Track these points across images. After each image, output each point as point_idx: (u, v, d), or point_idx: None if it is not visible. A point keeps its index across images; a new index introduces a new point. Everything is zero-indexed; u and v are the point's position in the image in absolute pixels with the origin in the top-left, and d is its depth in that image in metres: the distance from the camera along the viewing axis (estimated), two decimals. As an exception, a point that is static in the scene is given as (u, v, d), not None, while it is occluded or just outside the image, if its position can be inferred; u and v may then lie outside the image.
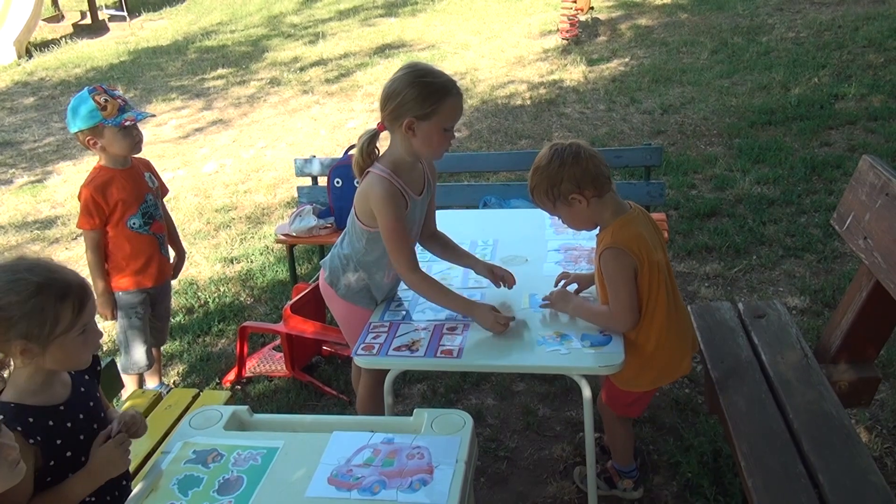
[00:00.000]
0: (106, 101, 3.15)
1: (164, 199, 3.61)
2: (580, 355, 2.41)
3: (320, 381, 3.80)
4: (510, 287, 2.75)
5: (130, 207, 3.31)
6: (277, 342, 4.18)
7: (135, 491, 1.95)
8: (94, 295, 2.01)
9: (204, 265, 5.49)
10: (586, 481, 2.78)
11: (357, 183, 2.66)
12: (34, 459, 1.84)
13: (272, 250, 5.58)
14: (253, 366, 3.96)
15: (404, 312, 2.75)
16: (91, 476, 1.89)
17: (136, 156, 3.39)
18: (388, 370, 2.56)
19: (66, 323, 1.80)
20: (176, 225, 3.78)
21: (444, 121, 2.49)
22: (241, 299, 4.91)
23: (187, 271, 5.39)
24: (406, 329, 2.62)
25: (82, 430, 1.93)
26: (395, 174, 2.55)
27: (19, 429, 1.78)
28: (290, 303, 3.79)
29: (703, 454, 3.03)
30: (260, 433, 2.11)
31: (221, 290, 5.05)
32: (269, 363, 3.98)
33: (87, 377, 1.99)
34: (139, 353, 3.51)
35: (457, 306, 2.63)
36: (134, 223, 3.34)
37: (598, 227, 2.54)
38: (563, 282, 2.74)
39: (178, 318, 4.70)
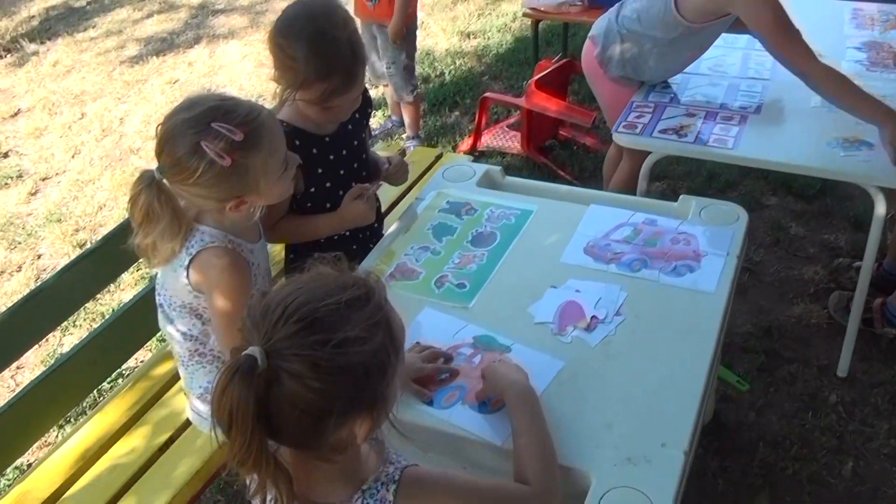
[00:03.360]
0: None
1: None
2: (882, 165, 2.07)
3: (555, 165, 3.68)
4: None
5: None
6: (512, 120, 4.07)
7: (391, 229, 1.96)
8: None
9: (441, 37, 5.37)
10: (841, 311, 2.52)
11: None
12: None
13: (510, 29, 5.34)
14: (488, 140, 3.89)
15: (672, 95, 2.49)
16: (339, 222, 1.91)
17: None
18: (648, 154, 2.35)
19: (312, 95, 1.74)
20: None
21: None
22: (477, 74, 4.79)
23: (424, 41, 5.32)
24: (674, 112, 2.38)
25: (343, 165, 1.93)
26: None
27: None
28: (534, 78, 3.61)
29: None
30: (513, 195, 2.03)
31: (457, 63, 4.95)
32: (503, 139, 3.89)
33: (357, 115, 1.95)
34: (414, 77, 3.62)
35: (869, 111, 2.13)
36: None
37: None
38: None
39: (415, 86, 4.69)
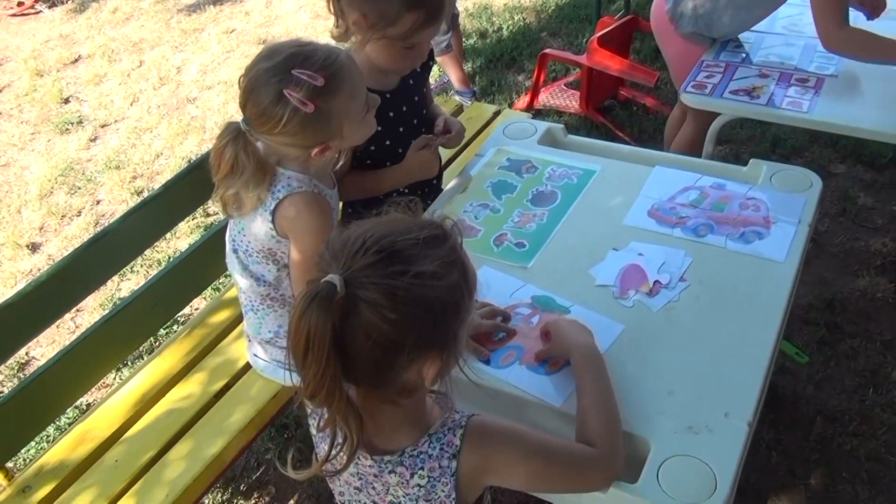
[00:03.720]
0: None
1: None
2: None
3: (614, 125, 3.59)
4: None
5: None
6: (571, 78, 3.98)
7: (450, 185, 1.93)
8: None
9: (500, -10, 5.26)
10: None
11: None
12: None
13: (572, -17, 5.20)
14: (545, 98, 3.81)
15: (744, 55, 2.39)
16: (404, 174, 1.88)
17: None
18: (717, 115, 2.27)
19: (400, 30, 1.67)
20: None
21: None
22: (536, 30, 4.68)
23: (483, -6, 5.21)
24: (746, 73, 2.28)
25: (403, 122, 1.90)
26: None
27: None
28: (596, 35, 3.50)
29: None
30: (575, 154, 1.98)
31: (516, 18, 4.84)
32: (561, 98, 3.81)
33: (418, 69, 1.91)
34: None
35: None
36: None
37: None
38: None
39: (471, 41, 4.61)
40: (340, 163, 1.62)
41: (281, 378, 1.87)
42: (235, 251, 1.70)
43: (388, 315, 0.93)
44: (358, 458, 1.07)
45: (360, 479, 1.11)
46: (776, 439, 2.25)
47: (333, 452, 1.02)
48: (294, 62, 1.45)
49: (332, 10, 1.72)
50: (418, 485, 1.06)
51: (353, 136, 1.59)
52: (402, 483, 1.07)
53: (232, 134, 1.49)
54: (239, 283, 1.77)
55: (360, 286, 0.94)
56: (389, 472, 1.07)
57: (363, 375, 1.00)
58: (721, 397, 1.34)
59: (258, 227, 1.60)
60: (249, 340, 1.86)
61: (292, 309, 0.96)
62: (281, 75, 1.44)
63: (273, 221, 1.58)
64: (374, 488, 1.11)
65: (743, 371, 1.39)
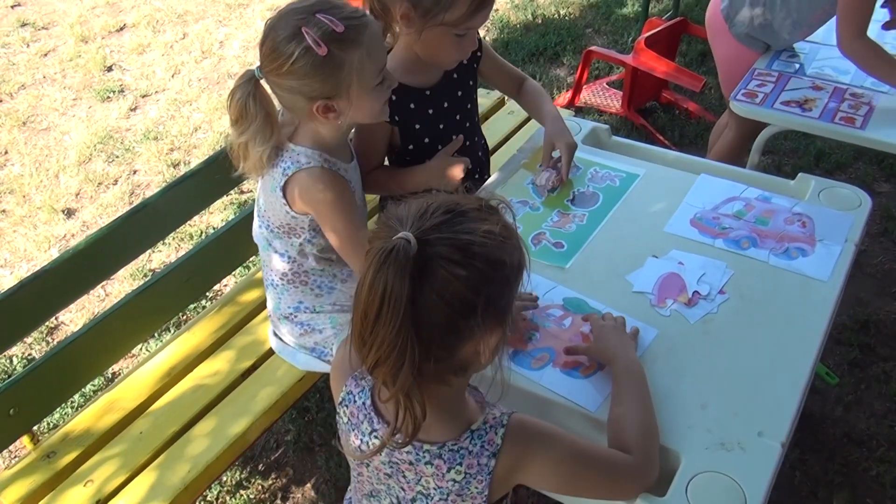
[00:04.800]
0: None
1: None
2: None
3: (654, 128, 3.54)
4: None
5: None
6: (613, 78, 3.94)
7: (490, 179, 1.92)
8: None
9: (546, -16, 5.21)
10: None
11: None
12: (391, 137, 1.84)
13: (620, -19, 5.14)
14: (587, 96, 3.77)
15: (798, 65, 2.34)
16: (425, 176, 1.84)
17: None
18: (766, 125, 2.23)
19: (455, 14, 1.63)
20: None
21: None
22: (581, 26, 4.63)
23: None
24: (799, 84, 2.23)
25: (444, 118, 1.87)
26: None
27: None
28: (643, 36, 3.46)
29: None
30: (619, 156, 1.95)
31: (561, 12, 4.79)
32: (602, 97, 3.77)
33: (465, 62, 1.88)
34: None
35: None
36: None
37: None
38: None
39: (515, 33, 4.57)
40: (350, 135, 1.61)
41: (296, 361, 1.88)
42: (261, 227, 1.72)
43: (461, 272, 0.92)
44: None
45: (392, 465, 1.10)
46: (801, 459, 2.21)
47: (397, 426, 1.00)
48: (322, 7, 1.46)
49: (372, 11, 1.69)
50: (453, 479, 1.06)
51: (360, 104, 1.53)
52: (437, 475, 1.06)
53: (245, 77, 1.51)
54: (263, 258, 1.78)
55: (433, 244, 0.92)
56: (426, 463, 1.06)
57: (426, 347, 0.95)
58: (755, 415, 1.32)
59: (276, 201, 1.61)
60: (271, 319, 1.87)
61: (362, 269, 0.94)
62: (304, 15, 1.45)
63: (285, 198, 1.59)
64: (404, 476, 1.10)
65: (779, 390, 1.36)
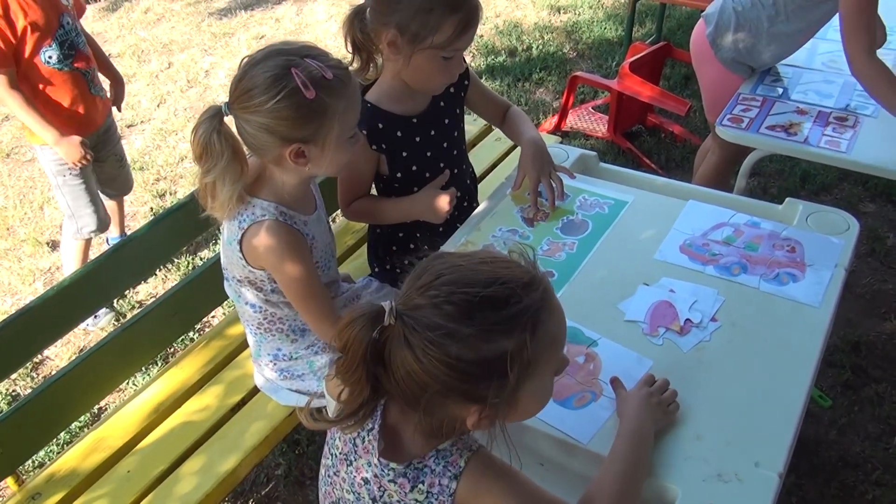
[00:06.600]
0: None
1: None
2: None
3: (641, 152, 3.56)
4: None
5: (44, 36, 2.44)
6: (598, 102, 3.96)
7: (479, 207, 1.91)
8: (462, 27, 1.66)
9: (529, 9, 5.26)
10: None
11: None
12: (378, 165, 1.84)
13: (602, 6, 5.19)
14: (573, 121, 3.79)
15: (782, 90, 2.35)
16: (409, 208, 1.85)
17: None
18: (751, 150, 2.24)
19: (442, 37, 1.63)
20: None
21: None
22: (566, 51, 4.67)
23: (513, 13, 5.21)
24: (783, 108, 2.25)
25: (431, 146, 1.87)
26: None
27: (365, 132, 1.75)
28: (627, 61, 3.48)
29: None
30: (607, 183, 1.95)
31: (545, 37, 4.83)
32: (588, 122, 3.79)
33: (451, 88, 1.88)
34: (86, 215, 2.72)
35: None
36: (50, 57, 2.48)
37: None
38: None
39: (500, 59, 4.60)
40: (312, 183, 1.61)
41: (280, 398, 1.87)
42: (226, 278, 1.70)
43: (419, 360, 0.97)
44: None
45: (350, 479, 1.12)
46: (797, 484, 2.20)
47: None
48: (309, 52, 1.46)
49: (353, 44, 1.70)
50: (416, 499, 1.05)
51: (329, 155, 1.52)
52: (400, 494, 1.06)
53: (209, 114, 1.46)
54: (237, 308, 1.77)
55: (406, 322, 0.97)
56: (389, 481, 1.06)
57: (398, 394, 1.02)
58: (751, 445, 1.30)
59: (232, 254, 1.59)
60: (253, 360, 1.86)
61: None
62: (293, 57, 1.43)
63: (241, 252, 1.56)
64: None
65: (774, 418, 1.35)
